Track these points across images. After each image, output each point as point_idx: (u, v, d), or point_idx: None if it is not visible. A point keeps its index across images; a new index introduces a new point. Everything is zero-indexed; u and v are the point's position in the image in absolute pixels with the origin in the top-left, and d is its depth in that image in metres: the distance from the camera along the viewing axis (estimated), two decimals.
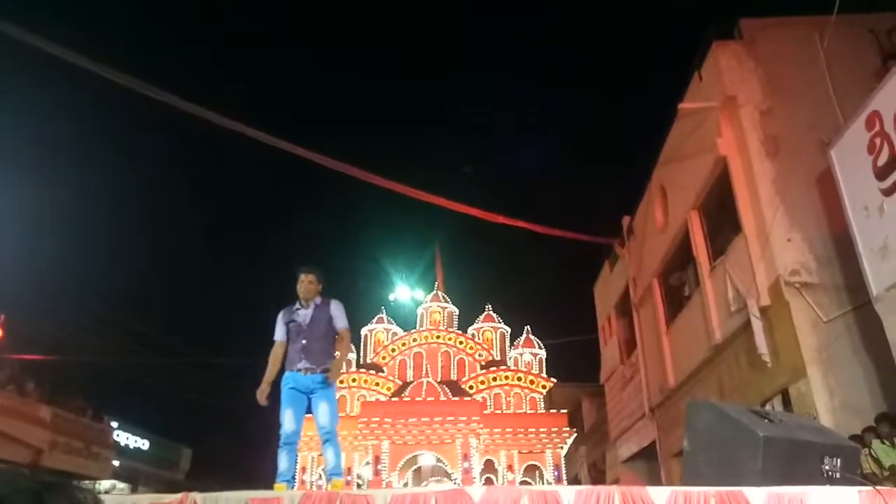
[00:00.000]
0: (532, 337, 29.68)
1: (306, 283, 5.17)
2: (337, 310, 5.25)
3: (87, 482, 20.47)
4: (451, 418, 24.79)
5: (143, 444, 31.56)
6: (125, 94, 10.14)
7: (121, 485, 27.65)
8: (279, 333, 5.23)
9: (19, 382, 21.37)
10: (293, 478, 5.05)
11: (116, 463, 26.76)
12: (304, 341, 5.07)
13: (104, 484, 24.21)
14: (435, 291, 31.39)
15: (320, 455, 25.34)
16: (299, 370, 5.02)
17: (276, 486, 4.72)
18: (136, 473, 30.20)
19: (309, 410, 5.13)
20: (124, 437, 29.41)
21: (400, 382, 27.85)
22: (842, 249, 7.99)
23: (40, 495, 1.24)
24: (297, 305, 5.23)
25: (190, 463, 36.33)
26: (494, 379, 27.58)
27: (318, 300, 5.23)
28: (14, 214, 21.17)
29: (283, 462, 4.95)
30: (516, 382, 27.59)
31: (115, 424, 27.82)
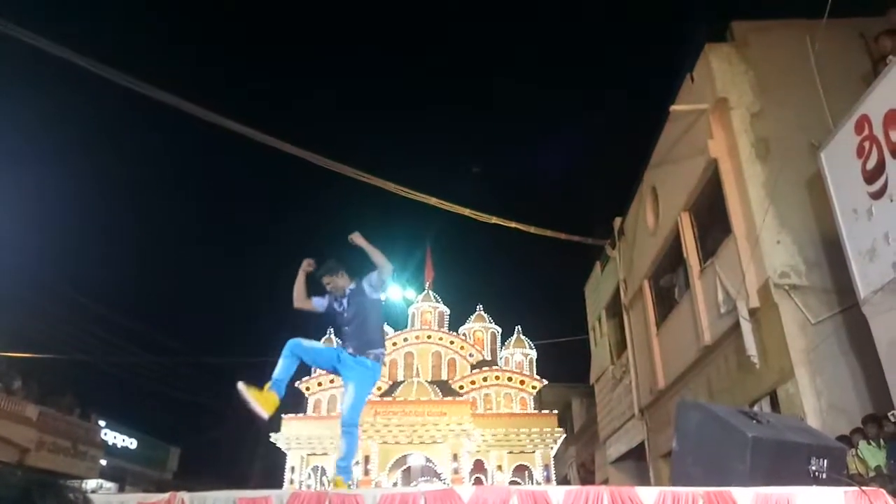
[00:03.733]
0: (523, 337, 29.75)
1: (329, 286, 5.07)
2: (367, 280, 5.03)
3: (73, 482, 20.29)
4: (442, 418, 24.80)
5: (131, 443, 31.32)
6: (114, 87, 10.07)
7: (108, 484, 27.42)
8: (317, 301, 5.10)
9: (5, 380, 21.17)
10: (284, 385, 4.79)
11: (104, 462, 26.54)
12: (346, 328, 5.00)
13: (91, 483, 24.01)
14: (426, 291, 31.38)
15: (309, 454, 25.35)
16: (345, 348, 4.93)
17: (269, 393, 4.57)
18: (124, 473, 29.97)
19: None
20: (112, 436, 29.16)
21: (390, 382, 27.83)
22: (830, 252, 8.05)
23: (30, 493, 1.24)
24: (337, 296, 5.15)
25: (178, 462, 36.09)
26: (485, 379, 27.62)
27: (353, 285, 5.09)
28: (2, 209, 20.96)
29: (280, 366, 4.69)
30: (507, 383, 27.65)
31: (102, 423, 27.59)
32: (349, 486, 4.73)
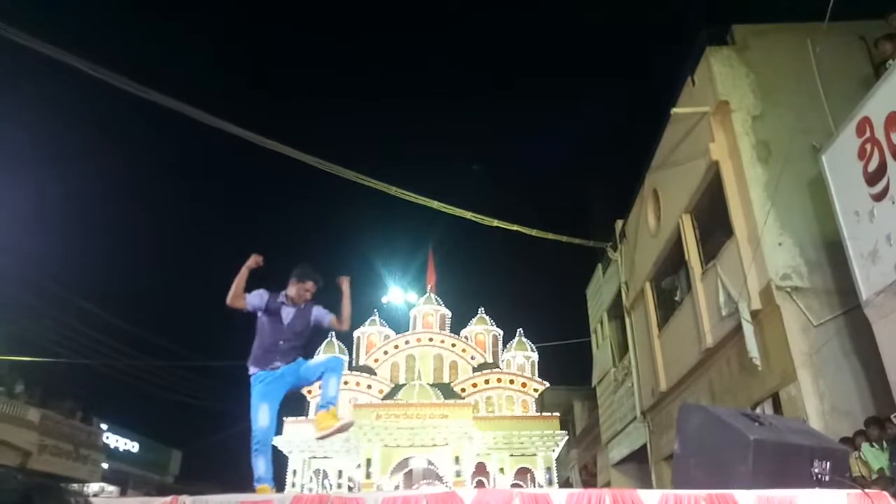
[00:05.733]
0: (524, 339, 29.69)
1: (305, 290, 4.91)
2: (317, 311, 4.99)
3: (75, 485, 20.33)
4: (443, 421, 24.76)
5: (133, 447, 31.33)
6: (112, 89, 10.02)
7: (110, 488, 27.44)
8: (252, 297, 4.86)
9: (7, 384, 21.20)
10: (273, 478, 4.73)
11: (105, 465, 26.57)
12: (282, 343, 4.79)
13: (93, 487, 24.03)
14: (428, 294, 31.36)
15: (311, 457, 25.30)
16: (274, 368, 4.75)
17: (258, 488, 4.49)
18: (126, 476, 29.98)
19: (281, 405, 4.96)
20: (114, 440, 29.18)
21: (392, 385, 27.80)
22: (832, 254, 8.04)
23: (30, 496, 1.24)
24: (283, 299, 4.92)
25: (180, 465, 36.11)
26: (487, 381, 27.57)
27: (303, 304, 4.97)
28: (2, 212, 21.00)
29: (261, 466, 4.61)
30: (508, 385, 27.59)
31: (104, 426, 27.62)
32: (351, 487, 4.71)
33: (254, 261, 4.84)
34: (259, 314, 4.90)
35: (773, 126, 9.25)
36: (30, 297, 22.68)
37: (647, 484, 13.57)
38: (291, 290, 4.91)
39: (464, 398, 26.81)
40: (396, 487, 24.32)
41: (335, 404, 4.76)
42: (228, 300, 4.80)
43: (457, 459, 24.42)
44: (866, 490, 3.43)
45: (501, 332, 30.83)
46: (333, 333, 27.84)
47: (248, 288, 4.86)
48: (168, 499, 3.61)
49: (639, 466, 15.57)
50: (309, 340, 5.09)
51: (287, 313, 4.89)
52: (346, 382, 26.83)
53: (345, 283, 4.94)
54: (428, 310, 30.48)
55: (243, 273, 4.82)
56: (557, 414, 26.66)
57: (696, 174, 10.44)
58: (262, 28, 66.32)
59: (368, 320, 30.16)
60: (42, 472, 19.86)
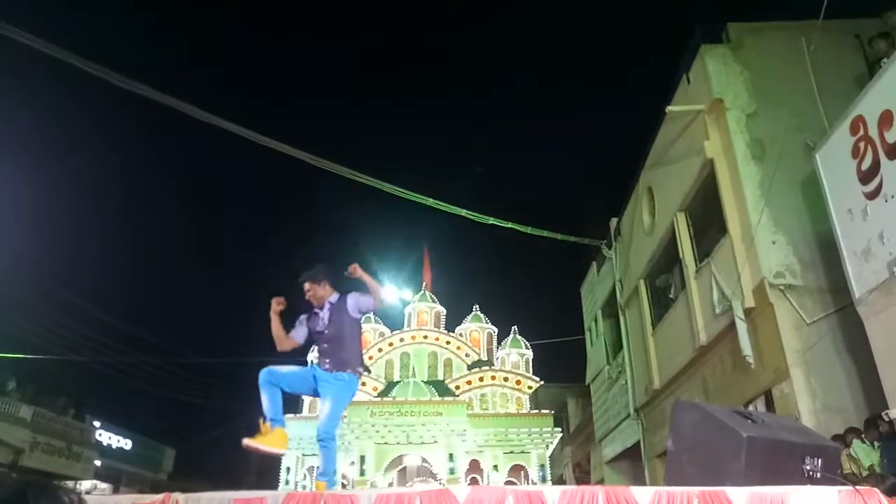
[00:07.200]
0: (519, 337, 29.73)
1: (309, 293, 4.91)
2: (353, 300, 4.95)
3: (68, 483, 20.26)
4: (438, 418, 24.78)
5: (126, 444, 31.19)
6: (109, 88, 9.98)
7: (102, 485, 27.32)
8: (297, 332, 4.92)
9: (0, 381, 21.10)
10: (282, 416, 4.66)
11: (98, 463, 26.45)
12: (325, 345, 4.84)
13: (85, 484, 23.95)
14: (423, 291, 31.35)
15: (305, 455, 25.27)
16: (324, 368, 4.78)
17: (274, 431, 4.45)
18: (119, 473, 29.85)
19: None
20: (106, 437, 29.04)
21: (387, 382, 27.80)
22: (825, 252, 8.08)
23: (25, 494, 1.24)
24: (315, 308, 4.96)
25: (173, 463, 35.98)
26: (481, 379, 27.60)
27: (334, 298, 4.96)
28: None
29: (264, 401, 4.54)
30: (503, 383, 27.62)
31: (97, 424, 27.48)
32: (345, 485, 4.69)
33: (276, 304, 4.83)
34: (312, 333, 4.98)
35: (768, 124, 9.28)
36: (22, 293, 22.59)
37: (640, 481, 13.62)
38: (308, 298, 4.95)
39: (458, 395, 26.83)
40: (390, 485, 24.33)
41: (325, 479, 4.63)
42: (278, 348, 4.88)
43: (451, 457, 24.44)
44: (857, 487, 3.45)
45: (496, 330, 30.87)
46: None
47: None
48: (161, 496, 3.60)
49: (632, 464, 15.62)
50: (355, 332, 5.03)
51: (323, 316, 4.91)
52: None
53: (356, 271, 4.89)
54: (423, 307, 30.47)
55: (274, 321, 4.84)
56: (551, 411, 26.71)
57: (690, 172, 10.46)
58: (262, 28, 66.09)
59: (363, 317, 30.09)
60: (34, 470, 19.78)
